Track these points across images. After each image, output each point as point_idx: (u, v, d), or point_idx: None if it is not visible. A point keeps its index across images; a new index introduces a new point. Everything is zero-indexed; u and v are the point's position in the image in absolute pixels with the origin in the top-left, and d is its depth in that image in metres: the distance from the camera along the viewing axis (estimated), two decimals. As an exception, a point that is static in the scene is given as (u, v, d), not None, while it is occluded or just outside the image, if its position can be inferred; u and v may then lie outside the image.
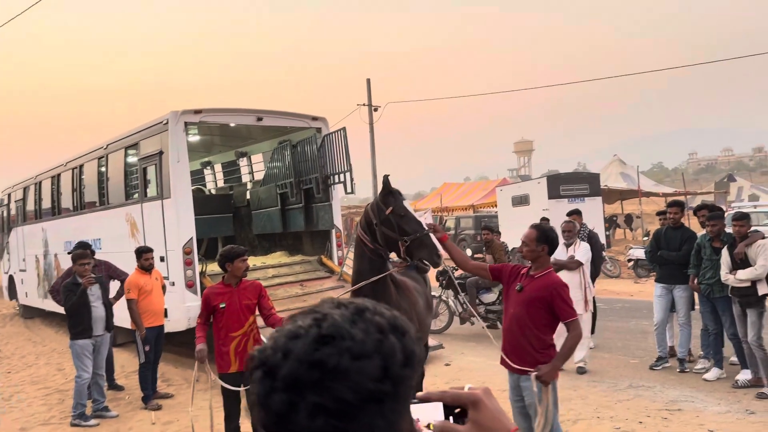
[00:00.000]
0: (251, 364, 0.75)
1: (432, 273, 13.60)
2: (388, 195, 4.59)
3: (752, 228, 6.82)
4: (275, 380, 0.70)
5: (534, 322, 3.98)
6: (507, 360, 4.16)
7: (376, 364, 0.72)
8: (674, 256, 7.41)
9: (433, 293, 9.55)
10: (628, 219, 28.06)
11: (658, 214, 8.69)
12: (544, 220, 10.25)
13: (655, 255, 7.68)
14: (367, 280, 4.61)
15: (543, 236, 4.02)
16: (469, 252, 23.62)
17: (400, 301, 4.87)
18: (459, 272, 10.72)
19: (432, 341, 8.56)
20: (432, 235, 4.45)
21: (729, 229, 6.90)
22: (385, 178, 4.62)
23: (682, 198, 27.27)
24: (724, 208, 23.63)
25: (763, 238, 6.56)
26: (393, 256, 4.88)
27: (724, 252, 6.61)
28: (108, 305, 7.06)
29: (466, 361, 8.49)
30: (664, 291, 7.58)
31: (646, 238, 18.48)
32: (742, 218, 6.59)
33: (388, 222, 4.52)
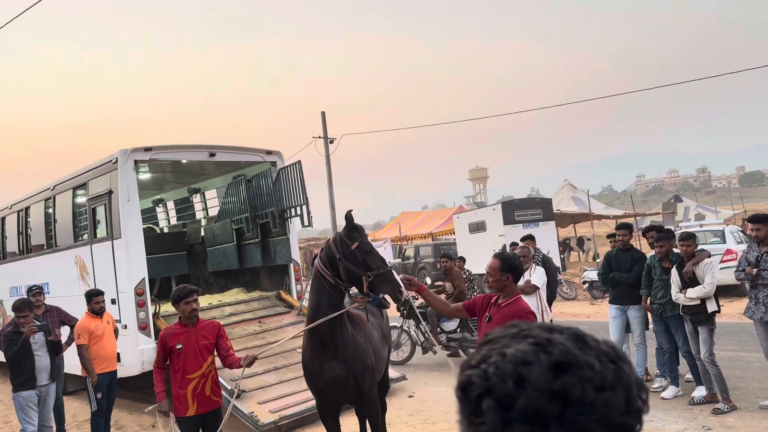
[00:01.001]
0: (472, 391, 0.69)
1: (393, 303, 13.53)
2: (353, 230, 4.63)
3: (699, 247, 7.04)
4: (512, 410, 0.65)
5: None
6: None
7: (620, 396, 0.68)
8: (626, 277, 7.58)
9: (394, 324, 9.56)
10: (580, 242, 28.80)
11: (609, 236, 8.90)
12: (514, 245, 10.23)
13: (607, 277, 7.84)
14: (325, 315, 4.58)
15: (507, 265, 3.97)
16: (428, 280, 23.67)
17: (356, 335, 4.83)
18: (420, 301, 10.72)
19: (395, 373, 8.49)
20: (394, 272, 4.49)
21: (677, 249, 7.11)
22: (348, 214, 4.64)
23: (631, 220, 28.13)
24: (673, 229, 24.45)
25: (710, 256, 6.79)
26: (353, 289, 4.87)
27: (674, 271, 6.80)
28: (53, 353, 6.76)
29: (429, 392, 8.43)
30: (618, 312, 7.73)
31: (598, 260, 18.90)
32: (689, 238, 6.80)
33: (353, 257, 4.53)
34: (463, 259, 11.63)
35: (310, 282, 4.95)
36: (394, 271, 4.51)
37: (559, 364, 0.67)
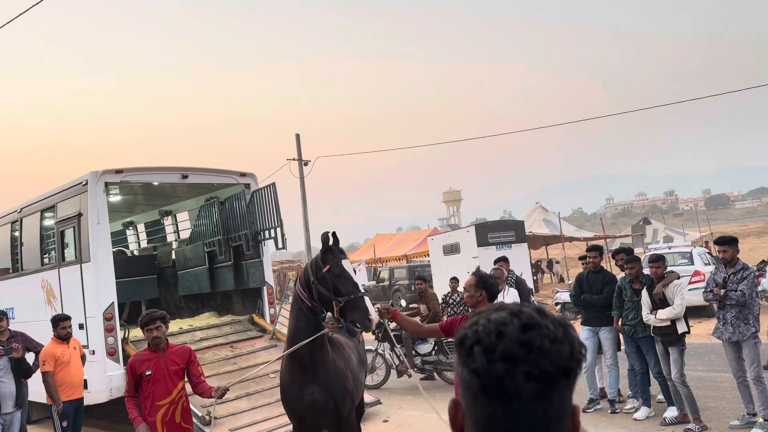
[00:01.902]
0: (467, 342, 0.98)
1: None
2: (327, 253, 4.55)
3: (668, 268, 7.17)
4: (494, 354, 0.94)
5: None
6: None
7: (566, 348, 0.95)
8: (597, 299, 7.66)
9: (369, 347, 9.48)
10: (550, 264, 29.18)
11: (581, 258, 9.01)
12: (499, 261, 10.04)
13: (578, 299, 7.92)
14: (304, 338, 4.52)
15: (481, 282, 4.16)
16: (403, 302, 23.61)
17: (336, 359, 4.78)
18: (394, 324, 10.66)
19: (369, 397, 8.41)
20: (366, 298, 4.42)
21: (647, 271, 7.23)
22: (324, 236, 4.59)
23: (601, 242, 28.58)
24: (643, 251, 24.85)
25: (679, 278, 6.91)
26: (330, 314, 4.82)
27: (644, 293, 6.90)
28: (20, 378, 6.55)
29: (404, 416, 8.36)
30: (590, 333, 7.80)
31: (570, 282, 19.08)
32: (658, 260, 6.93)
33: (324, 281, 4.47)
34: (456, 280, 11.41)
35: (291, 304, 4.90)
36: (366, 297, 4.43)
37: (526, 325, 0.96)
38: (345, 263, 4.55)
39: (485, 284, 4.17)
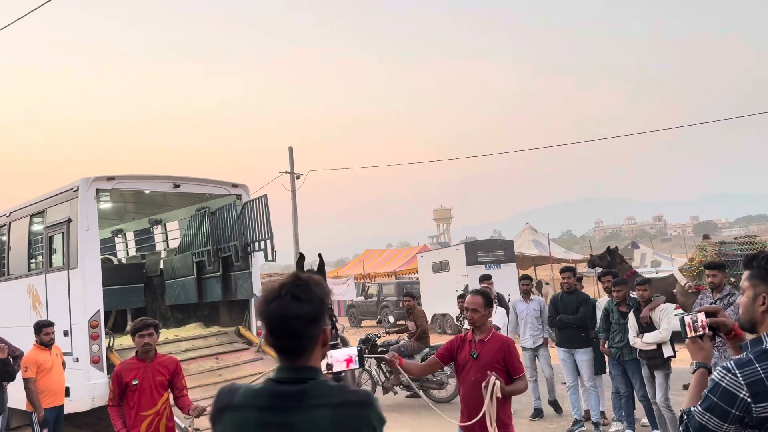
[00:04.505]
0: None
1: (355, 340, 13.36)
2: None
3: (655, 293, 7.23)
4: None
5: None
6: (469, 428, 4.12)
7: None
8: (572, 319, 7.73)
9: (354, 363, 9.43)
10: (539, 285, 29.25)
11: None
12: (484, 279, 10.11)
13: (554, 320, 8.00)
14: None
15: (488, 301, 4.29)
16: (391, 319, 23.47)
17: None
18: (382, 339, 10.65)
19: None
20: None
21: (634, 294, 7.28)
22: (298, 259, 4.49)
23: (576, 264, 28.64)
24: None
25: (666, 302, 6.97)
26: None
27: (631, 316, 6.94)
28: (0, 384, 6.47)
29: (388, 433, 8.30)
30: (566, 354, 7.87)
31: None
32: (645, 283, 6.98)
33: None
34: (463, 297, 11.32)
35: None
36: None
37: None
38: None
39: (491, 302, 4.33)
